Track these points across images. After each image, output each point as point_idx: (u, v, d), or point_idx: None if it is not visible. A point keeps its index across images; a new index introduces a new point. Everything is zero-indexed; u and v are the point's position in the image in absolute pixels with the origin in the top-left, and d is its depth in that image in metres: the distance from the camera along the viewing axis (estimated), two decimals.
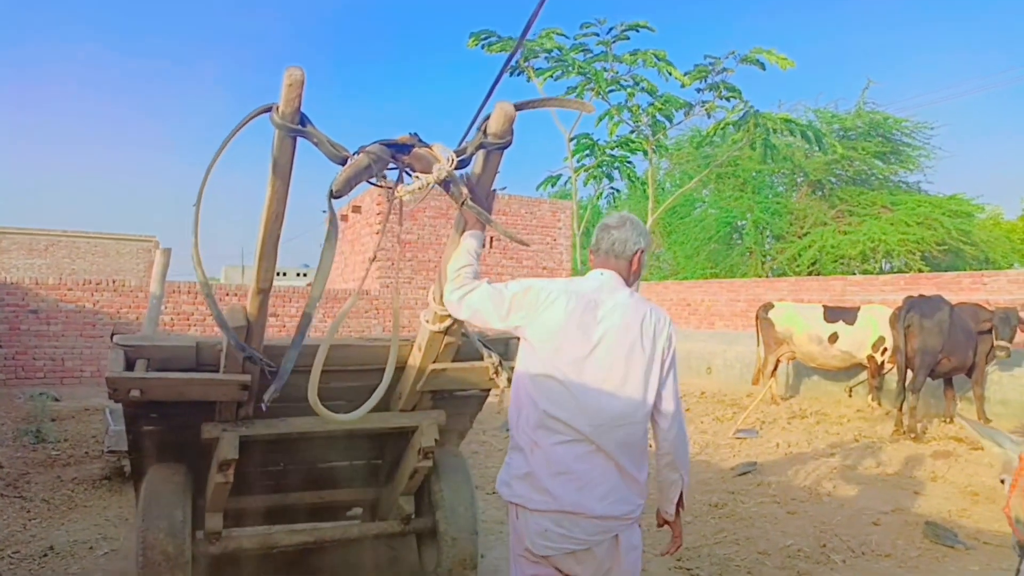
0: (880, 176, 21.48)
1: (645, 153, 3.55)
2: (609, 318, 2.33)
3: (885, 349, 10.19)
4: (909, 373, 9.57)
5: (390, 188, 2.46)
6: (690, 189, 19.69)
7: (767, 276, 20.30)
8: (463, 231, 2.69)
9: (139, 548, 3.44)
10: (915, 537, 5.26)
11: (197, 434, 3.54)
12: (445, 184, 2.45)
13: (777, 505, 6.36)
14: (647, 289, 17.44)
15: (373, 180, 2.40)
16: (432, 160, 2.43)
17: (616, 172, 3.70)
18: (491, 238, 17.19)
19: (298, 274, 52.36)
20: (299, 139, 2.35)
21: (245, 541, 3.98)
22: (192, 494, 3.77)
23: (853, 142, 20.25)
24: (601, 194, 3.63)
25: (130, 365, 3.28)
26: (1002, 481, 2.22)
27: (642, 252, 2.51)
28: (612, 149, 3.57)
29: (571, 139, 3.55)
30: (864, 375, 10.96)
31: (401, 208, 2.70)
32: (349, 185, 2.32)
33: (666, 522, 2.53)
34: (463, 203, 2.49)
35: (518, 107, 2.53)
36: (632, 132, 3.66)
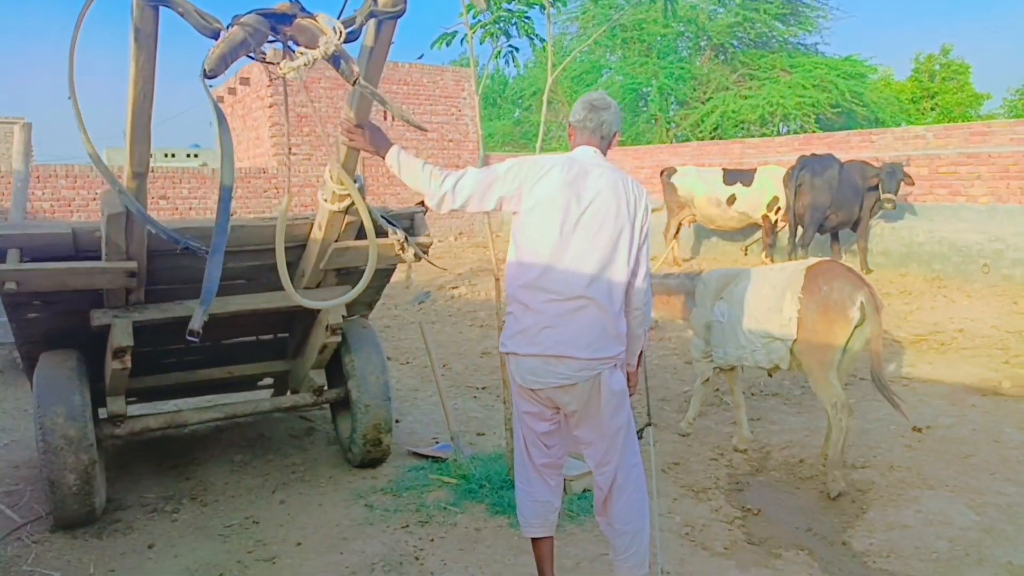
0: (780, 38, 21.64)
1: (543, 8, 3.40)
2: (597, 184, 2.55)
3: (779, 208, 10.62)
4: (800, 230, 10.06)
5: (272, 64, 2.24)
6: (590, 48, 19.34)
7: (671, 143, 20.56)
8: (358, 112, 2.63)
9: (38, 434, 3.35)
10: (800, 378, 5.71)
11: (86, 319, 3.40)
12: (334, 60, 2.22)
13: (676, 357, 6.74)
14: None
15: (252, 56, 2.16)
16: (317, 32, 2.20)
17: (514, 28, 3.54)
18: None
19: (188, 155, 49.45)
20: (162, 8, 2.09)
21: (152, 421, 3.93)
22: (89, 377, 3.66)
23: (756, 3, 20.20)
24: (499, 52, 3.49)
25: (1, 256, 3.06)
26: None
27: (618, 134, 2.74)
28: (509, 3, 3.41)
29: None
30: (759, 234, 11.45)
31: (286, 85, 2.49)
32: (224, 63, 2.08)
33: (628, 373, 2.79)
34: (355, 81, 2.30)
35: None
36: None
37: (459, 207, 2.62)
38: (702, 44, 22.26)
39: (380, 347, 4.33)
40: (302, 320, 4.24)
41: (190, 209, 14.09)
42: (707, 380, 4.59)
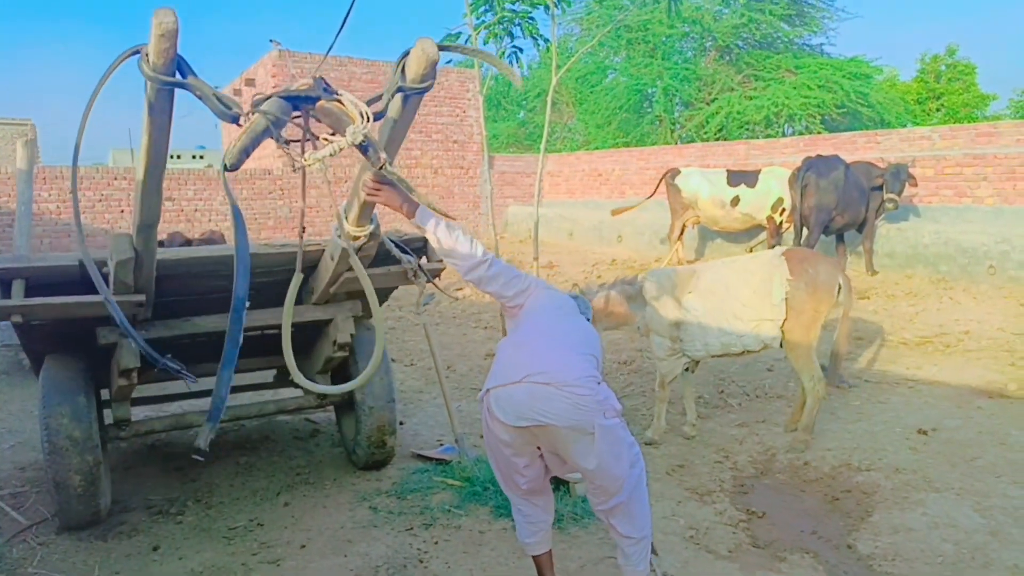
0: (785, 39, 21.60)
1: (547, 8, 3.41)
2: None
3: (784, 210, 10.58)
4: (805, 231, 10.03)
5: (295, 147, 2.16)
6: (594, 49, 19.32)
7: (676, 144, 20.54)
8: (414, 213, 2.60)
9: (44, 435, 3.36)
10: None
11: (93, 329, 3.40)
12: (363, 148, 2.16)
13: None
14: (559, 160, 17.41)
15: (276, 139, 2.12)
16: (342, 116, 2.13)
17: (518, 29, 3.57)
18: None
19: (193, 156, 49.48)
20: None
21: (156, 424, 3.94)
22: (95, 378, 3.67)
23: (761, 4, 20.16)
24: (503, 53, 3.51)
25: (6, 287, 3.07)
26: None
27: None
28: (512, 3, 3.43)
29: None
30: (764, 236, 11.42)
31: (305, 175, 2.38)
32: (246, 155, 2.03)
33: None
34: (381, 167, 2.26)
35: (442, 48, 2.21)
36: None
37: (489, 280, 2.67)
38: (707, 45, 22.24)
39: (385, 349, 4.32)
40: (311, 333, 4.22)
41: (195, 211, 14.11)
42: (675, 378, 4.58)
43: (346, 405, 4.36)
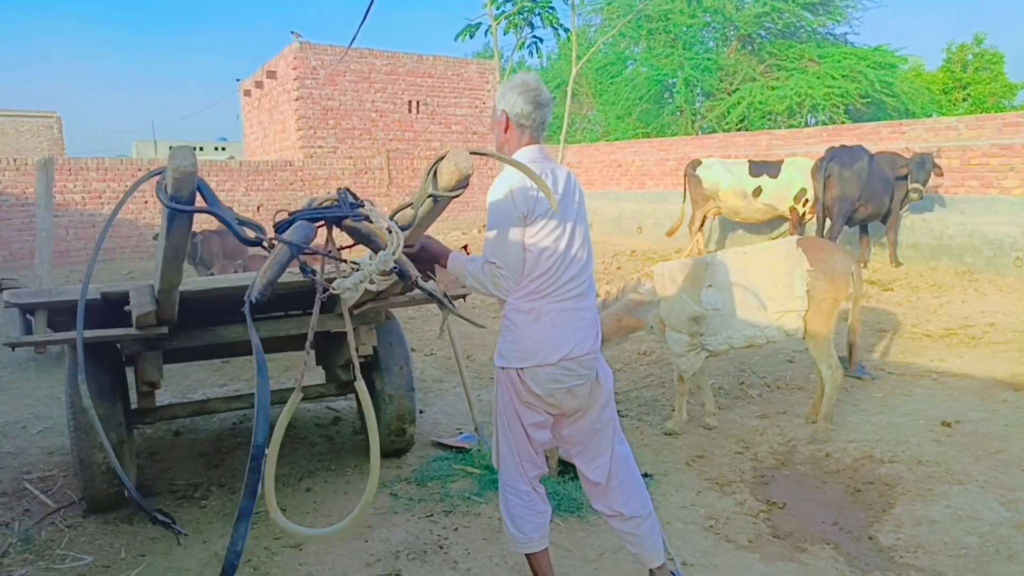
0: (808, 28, 21.36)
1: None
2: (565, 190, 2.56)
3: (807, 200, 10.48)
4: (828, 222, 9.93)
5: (323, 285, 2.10)
6: (615, 40, 19.22)
7: (697, 134, 20.39)
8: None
9: (69, 414, 3.42)
10: None
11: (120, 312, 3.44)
12: (397, 272, 2.11)
13: None
14: (579, 152, 17.34)
15: (303, 268, 2.07)
16: (371, 234, 2.07)
17: (538, 19, 3.54)
18: (416, 102, 16.63)
19: (216, 148, 49.92)
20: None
21: (179, 410, 4.00)
22: (121, 360, 3.73)
23: None
24: (523, 43, 3.49)
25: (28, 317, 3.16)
26: None
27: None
28: None
29: None
30: (786, 227, 11.32)
31: (330, 295, 2.16)
32: (271, 288, 1.97)
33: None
34: (414, 283, 2.24)
35: (473, 153, 2.15)
36: None
37: (517, 274, 2.50)
38: (729, 34, 22.04)
39: (404, 338, 4.36)
40: (331, 339, 4.22)
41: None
42: (696, 372, 4.55)
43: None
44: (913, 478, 3.83)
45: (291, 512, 3.65)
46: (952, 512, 3.44)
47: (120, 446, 3.48)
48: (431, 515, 3.53)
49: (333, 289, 2.08)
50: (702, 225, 11.93)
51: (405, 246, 2.19)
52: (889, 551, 3.17)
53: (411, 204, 2.26)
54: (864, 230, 10.38)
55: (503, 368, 2.56)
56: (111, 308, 3.17)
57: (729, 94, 20.88)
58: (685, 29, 21.28)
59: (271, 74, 17.17)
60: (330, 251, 2.15)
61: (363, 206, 2.09)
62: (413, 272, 2.24)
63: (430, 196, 2.19)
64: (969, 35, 34.25)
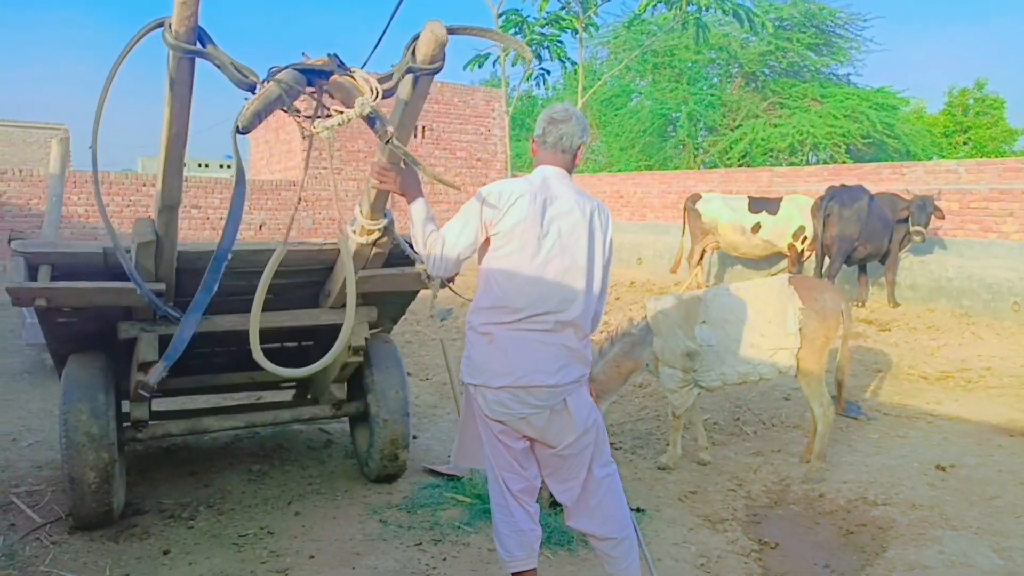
0: (812, 68, 21.62)
1: (575, 32, 3.44)
2: (565, 218, 2.53)
3: (805, 238, 10.54)
4: (827, 260, 9.97)
5: (305, 119, 2.24)
6: (620, 73, 19.42)
7: (699, 168, 20.53)
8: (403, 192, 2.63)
9: (62, 431, 3.40)
10: None
11: (115, 325, 3.46)
12: (370, 121, 2.24)
13: None
14: (581, 181, 17.43)
15: (286, 110, 2.18)
16: (354, 90, 2.21)
17: (546, 51, 3.60)
18: (422, 127, 16.75)
19: (221, 165, 50.34)
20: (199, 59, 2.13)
21: (172, 427, 3.98)
22: (115, 379, 3.72)
23: (788, 32, 20.21)
24: (531, 75, 3.56)
25: (33, 271, 3.14)
26: None
27: (583, 146, 2.66)
28: (542, 27, 3.46)
29: (499, 15, 3.41)
30: (784, 263, 11.36)
31: (312, 142, 2.41)
32: (258, 119, 2.10)
33: None
34: (388, 141, 2.32)
35: (451, 30, 2.29)
36: (562, 9, 3.55)
37: (455, 259, 2.54)
38: (733, 71, 22.30)
39: (401, 363, 4.35)
40: (326, 333, 4.28)
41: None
42: (688, 408, 4.52)
43: (360, 417, 4.38)
44: (907, 522, 3.80)
45: (279, 535, 3.62)
46: (945, 558, 3.41)
47: (111, 465, 3.46)
48: (420, 544, 3.50)
49: (313, 128, 2.21)
50: (701, 259, 11.97)
51: (389, 135, 2.29)
52: None
53: (391, 76, 2.33)
54: (863, 270, 10.42)
55: (471, 385, 2.60)
56: (113, 274, 3.18)
57: (732, 130, 21.07)
58: (690, 65, 21.54)
59: None
60: (314, 93, 2.25)
61: (351, 71, 2.24)
62: (388, 127, 2.30)
63: (408, 71, 2.32)
64: (971, 80, 34.62)
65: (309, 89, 2.22)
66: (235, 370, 4.41)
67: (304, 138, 2.28)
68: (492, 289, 2.52)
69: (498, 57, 3.39)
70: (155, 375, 2.49)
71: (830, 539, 3.72)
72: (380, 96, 2.22)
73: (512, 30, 3.48)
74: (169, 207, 2.77)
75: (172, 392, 4.57)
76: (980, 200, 10.16)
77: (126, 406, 3.88)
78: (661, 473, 4.47)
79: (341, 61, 2.25)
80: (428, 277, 3.43)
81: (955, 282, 10.11)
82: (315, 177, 15.71)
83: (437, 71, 2.36)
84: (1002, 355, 7.50)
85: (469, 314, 2.62)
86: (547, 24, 3.49)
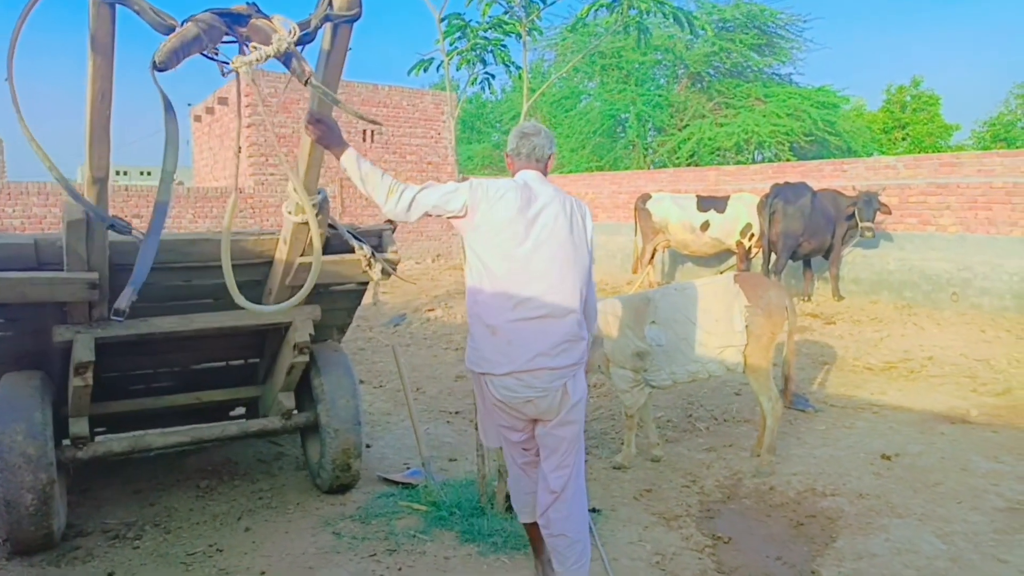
0: (755, 68, 22.03)
1: (519, 36, 3.45)
2: (547, 210, 2.74)
3: (752, 235, 10.73)
4: (773, 256, 10.17)
5: (224, 63, 2.27)
6: (569, 75, 19.56)
7: (649, 168, 20.76)
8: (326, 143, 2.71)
9: None
10: None
11: (51, 340, 3.34)
12: (286, 58, 2.27)
13: None
14: None
15: (205, 53, 2.20)
16: (272, 32, 2.25)
17: (490, 56, 3.58)
18: (370, 132, 16.60)
19: (141, 173, 49.58)
20: (118, 8, 2.13)
21: (115, 445, 3.85)
22: (53, 399, 3.60)
23: (731, 34, 20.56)
24: (475, 79, 3.52)
25: None
26: None
27: (553, 156, 2.93)
28: (485, 31, 3.44)
29: (441, 20, 3.39)
30: (733, 260, 11.56)
31: (239, 83, 2.48)
32: (176, 57, 2.11)
33: None
34: (307, 81, 2.35)
35: None
36: (506, 13, 3.53)
37: (419, 213, 2.73)
38: (679, 72, 22.60)
39: (351, 370, 4.28)
40: (271, 342, 4.20)
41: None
42: (640, 408, 4.58)
43: (311, 427, 4.30)
44: (854, 511, 3.89)
45: (228, 552, 3.53)
46: (891, 545, 3.50)
47: (49, 486, 3.34)
48: (375, 554, 3.45)
49: (232, 64, 2.25)
50: (652, 257, 12.10)
51: (307, 74, 2.33)
52: None
53: (309, 23, 2.36)
54: (808, 265, 10.66)
55: (470, 370, 2.83)
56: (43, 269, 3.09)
57: (680, 130, 21.36)
58: (637, 66, 21.76)
59: (223, 100, 16.98)
60: (242, 41, 2.28)
61: (269, 16, 2.28)
62: (306, 66, 2.34)
63: (326, 19, 2.36)
64: (908, 77, 35.76)
65: (228, 32, 2.24)
66: (180, 391, 4.29)
67: (224, 75, 2.32)
68: (484, 280, 2.71)
69: (442, 62, 3.37)
70: (124, 300, 2.46)
71: (781, 531, 3.78)
72: (297, 36, 2.26)
73: (455, 34, 3.45)
74: (98, 179, 2.67)
75: (116, 422, 4.44)
76: (918, 194, 10.49)
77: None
78: (616, 472, 4.50)
79: (259, 7, 2.29)
80: (369, 264, 3.41)
81: (896, 275, 10.41)
82: (262, 183, 15.44)
83: (354, 19, 2.41)
84: (943, 344, 7.75)
85: (468, 305, 2.81)
86: (490, 28, 3.48)
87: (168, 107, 2.25)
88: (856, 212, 9.77)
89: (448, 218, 2.76)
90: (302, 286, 3.73)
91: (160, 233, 2.59)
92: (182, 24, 2.13)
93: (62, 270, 3.04)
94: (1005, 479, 4.25)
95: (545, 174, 2.91)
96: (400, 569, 3.32)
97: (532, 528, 3.06)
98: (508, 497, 3.85)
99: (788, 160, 18.37)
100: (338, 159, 2.73)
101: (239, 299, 2.79)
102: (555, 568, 2.88)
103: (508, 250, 2.68)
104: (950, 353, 7.41)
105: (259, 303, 3.72)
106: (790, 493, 4.17)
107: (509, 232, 2.67)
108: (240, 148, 2.89)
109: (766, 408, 4.49)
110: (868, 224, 9.68)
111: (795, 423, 5.33)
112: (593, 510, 3.84)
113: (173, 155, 2.33)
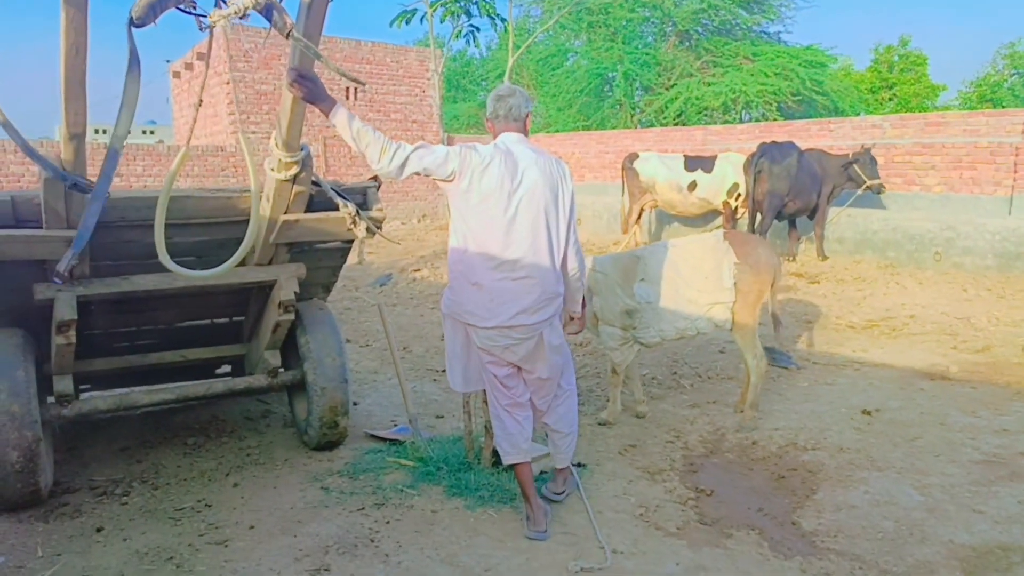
0: (744, 26, 21.84)
1: None
2: (529, 173, 2.92)
3: (739, 195, 10.73)
4: (759, 216, 10.19)
5: (202, 16, 2.24)
6: (555, 32, 19.30)
7: (636, 128, 20.64)
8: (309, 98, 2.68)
9: None
10: None
11: (31, 297, 3.31)
12: (266, 11, 2.22)
13: None
14: None
15: (182, 8, 2.16)
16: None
17: (475, 7, 3.53)
18: (354, 90, 16.34)
19: (144, 131, 48.58)
20: None
21: (100, 403, 3.84)
22: (36, 357, 3.57)
23: None
24: (460, 32, 3.48)
25: None
26: None
27: (530, 114, 3.06)
28: None
29: None
30: (719, 220, 11.58)
31: (212, 36, 2.41)
32: (153, 12, 2.08)
33: (572, 317, 3.43)
34: (288, 33, 2.31)
35: None
36: None
37: (410, 172, 2.84)
38: (667, 30, 22.35)
39: (337, 329, 4.28)
40: (256, 301, 4.18)
41: (144, 187, 13.75)
42: (628, 365, 4.62)
43: (298, 385, 4.30)
44: (835, 465, 3.96)
45: (217, 507, 3.56)
46: (870, 497, 3.57)
47: (35, 444, 3.33)
48: (363, 508, 3.49)
49: (210, 17, 2.26)
50: (639, 217, 12.10)
51: (288, 27, 2.32)
52: (811, 536, 3.28)
53: None
54: (793, 224, 10.69)
55: (445, 314, 3.14)
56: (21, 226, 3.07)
57: (667, 89, 21.21)
58: (624, 23, 21.49)
59: (201, 56, 16.61)
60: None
61: None
62: (288, 19, 2.33)
63: None
64: (895, 37, 35.56)
65: None
66: (164, 349, 4.27)
67: (202, 30, 2.32)
68: (469, 241, 2.93)
69: (425, 14, 3.31)
70: (64, 262, 2.48)
71: (763, 484, 3.85)
72: None
73: None
74: (75, 136, 2.62)
75: (102, 379, 4.42)
76: (904, 154, 10.52)
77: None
78: (602, 429, 4.55)
79: None
80: (354, 222, 3.39)
81: (880, 234, 10.47)
82: (196, 110, 15.22)
83: None
84: (924, 303, 7.84)
85: (450, 261, 3.06)
86: None
87: (133, 65, 2.21)
88: (860, 170, 9.77)
89: (435, 179, 2.90)
90: (287, 245, 3.71)
91: (104, 197, 2.55)
92: None
93: (40, 228, 3.00)
94: (982, 433, 4.34)
95: (526, 133, 3.03)
96: (388, 522, 3.36)
97: (521, 470, 3.25)
98: (495, 452, 3.90)
99: (775, 120, 18.31)
100: (327, 116, 2.71)
101: (167, 262, 2.81)
102: (551, 451, 3.51)
103: (492, 216, 2.89)
104: (931, 311, 7.50)
105: (245, 263, 3.71)
106: (772, 447, 4.24)
107: (494, 200, 2.88)
108: (201, 101, 2.94)
109: (751, 365, 4.53)
110: (878, 182, 9.75)
111: (778, 379, 5.39)
112: (579, 465, 3.89)
113: (128, 118, 2.29)
